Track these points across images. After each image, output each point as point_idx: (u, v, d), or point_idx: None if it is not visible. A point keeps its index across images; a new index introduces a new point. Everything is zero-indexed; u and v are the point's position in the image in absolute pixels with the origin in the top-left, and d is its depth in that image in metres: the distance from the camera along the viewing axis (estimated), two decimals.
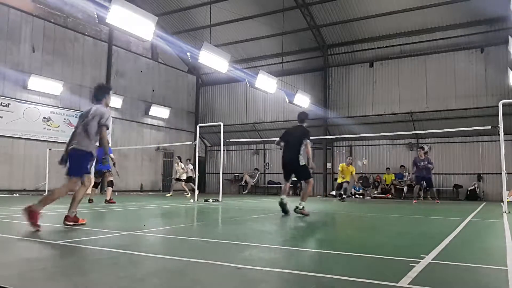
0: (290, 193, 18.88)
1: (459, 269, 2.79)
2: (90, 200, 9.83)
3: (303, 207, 6.70)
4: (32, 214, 4.32)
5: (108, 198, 9.76)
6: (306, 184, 7.17)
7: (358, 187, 17.07)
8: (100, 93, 5.23)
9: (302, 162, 6.92)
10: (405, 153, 17.44)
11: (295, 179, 7.60)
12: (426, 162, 12.44)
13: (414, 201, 12.63)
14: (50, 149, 14.58)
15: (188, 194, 15.92)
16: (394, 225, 6.04)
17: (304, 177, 7.15)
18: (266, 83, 15.11)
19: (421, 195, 13.86)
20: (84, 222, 4.96)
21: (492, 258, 3.31)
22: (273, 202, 8.23)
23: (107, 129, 5.02)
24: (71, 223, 4.83)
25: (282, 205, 6.80)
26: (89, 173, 5.07)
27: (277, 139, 7.39)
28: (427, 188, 13.18)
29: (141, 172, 19.21)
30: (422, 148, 13.29)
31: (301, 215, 6.63)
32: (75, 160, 4.87)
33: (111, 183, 10.04)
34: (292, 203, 6.90)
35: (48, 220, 6.00)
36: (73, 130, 5.17)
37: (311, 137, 7.26)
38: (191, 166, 16.12)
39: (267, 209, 8.28)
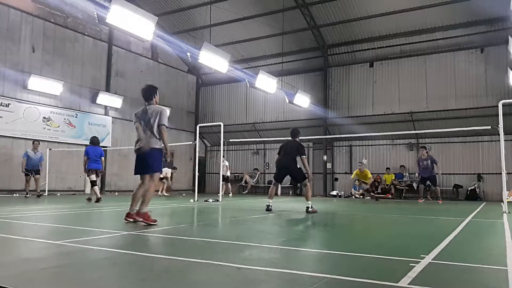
0: (290, 193, 18.99)
1: (459, 269, 2.79)
2: (90, 199, 9.94)
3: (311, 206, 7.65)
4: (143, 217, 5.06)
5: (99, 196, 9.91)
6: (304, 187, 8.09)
7: (358, 187, 17.04)
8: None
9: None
10: (405, 153, 17.45)
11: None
12: (429, 161, 12.46)
13: (419, 200, 12.82)
14: (50, 149, 14.58)
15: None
16: (394, 225, 6.04)
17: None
18: (266, 83, 15.09)
19: (428, 195, 13.80)
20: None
21: (492, 258, 3.31)
22: (273, 202, 8.24)
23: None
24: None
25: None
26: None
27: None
28: (427, 188, 13.19)
29: None
30: (425, 147, 13.31)
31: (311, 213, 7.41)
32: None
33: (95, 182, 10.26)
34: (292, 203, 6.89)
35: (48, 220, 6.00)
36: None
37: (311, 137, 7.76)
38: (226, 163, 16.02)
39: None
